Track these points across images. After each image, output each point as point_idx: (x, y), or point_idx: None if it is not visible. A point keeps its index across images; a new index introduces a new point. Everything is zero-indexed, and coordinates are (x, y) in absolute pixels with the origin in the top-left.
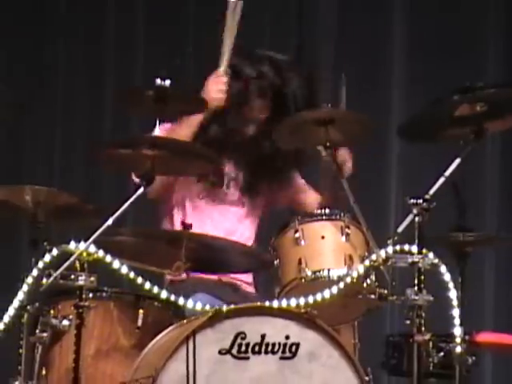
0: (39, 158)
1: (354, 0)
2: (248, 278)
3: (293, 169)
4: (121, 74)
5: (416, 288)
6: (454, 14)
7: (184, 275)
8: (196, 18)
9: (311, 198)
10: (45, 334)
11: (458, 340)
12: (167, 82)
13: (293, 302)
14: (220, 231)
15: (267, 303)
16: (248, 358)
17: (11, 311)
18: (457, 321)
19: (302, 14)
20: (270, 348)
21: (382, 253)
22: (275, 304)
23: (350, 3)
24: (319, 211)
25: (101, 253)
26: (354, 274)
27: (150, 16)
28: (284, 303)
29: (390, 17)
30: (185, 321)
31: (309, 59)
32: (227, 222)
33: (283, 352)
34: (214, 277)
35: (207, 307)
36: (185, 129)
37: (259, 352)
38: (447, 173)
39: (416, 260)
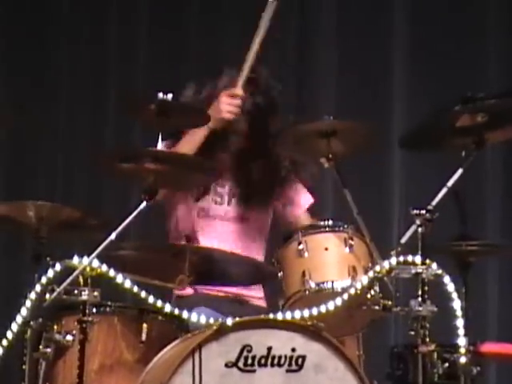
0: (41, 170)
1: (353, 3)
2: (257, 292)
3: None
4: (123, 76)
5: (420, 299)
6: (455, 21)
7: (191, 290)
8: (199, 19)
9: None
10: (48, 350)
11: (463, 350)
12: (169, 96)
13: (297, 314)
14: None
15: (272, 316)
16: (254, 371)
17: (14, 327)
18: (461, 331)
19: (302, 23)
20: (276, 361)
21: (386, 264)
22: (279, 316)
23: (349, 6)
24: (322, 223)
25: (104, 267)
26: (358, 286)
27: (152, 17)
28: (288, 315)
29: (391, 26)
30: (189, 334)
31: (309, 69)
32: (230, 239)
33: (289, 365)
34: (221, 293)
35: (211, 320)
36: (187, 145)
37: (265, 365)
38: (450, 183)
39: (419, 271)
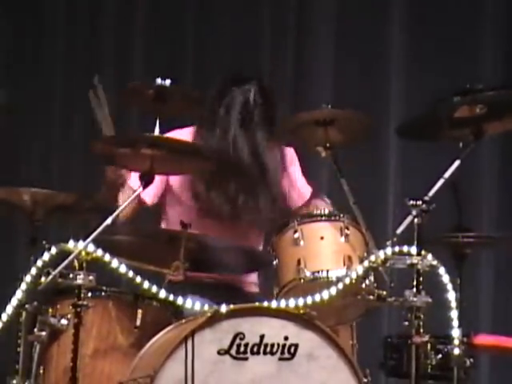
0: (37, 155)
1: (352, 1)
2: (251, 277)
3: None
4: (120, 70)
5: (414, 289)
6: (454, 11)
7: (182, 276)
8: (196, 17)
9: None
10: (43, 333)
11: (456, 342)
12: (167, 82)
13: (291, 303)
14: None
15: (266, 303)
16: (247, 359)
17: (9, 310)
18: (455, 322)
19: (301, 13)
20: (268, 349)
21: (381, 254)
22: (274, 304)
23: (348, 4)
24: (318, 212)
25: (99, 252)
26: (353, 275)
27: (149, 15)
28: (283, 304)
29: (389, 16)
30: (183, 321)
31: (306, 57)
32: (229, 236)
33: (282, 353)
34: (213, 279)
35: (206, 307)
36: None
37: (258, 352)
38: (446, 174)
39: (415, 261)
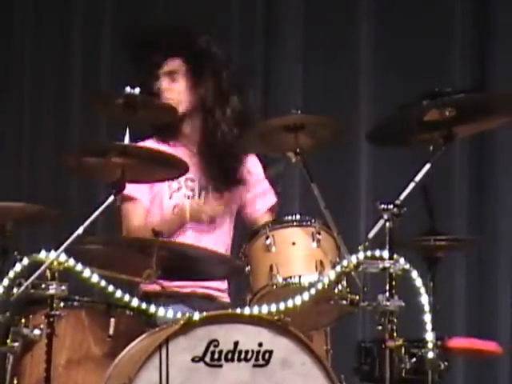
0: (6, 166)
1: (320, 5)
2: (222, 285)
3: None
4: (87, 72)
5: (387, 293)
6: (423, 15)
7: (158, 287)
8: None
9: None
10: (16, 344)
11: (430, 345)
12: (136, 90)
13: (264, 309)
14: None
15: (239, 310)
16: (221, 366)
17: None
18: (428, 326)
19: (269, 16)
20: (242, 355)
21: (353, 258)
22: (247, 311)
23: (316, 8)
24: (290, 217)
25: (71, 261)
26: (326, 280)
27: (116, 19)
28: (256, 310)
29: (357, 20)
30: (157, 329)
31: (275, 63)
32: (195, 233)
33: (256, 359)
34: (188, 289)
35: (179, 315)
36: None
37: (232, 359)
38: (417, 178)
39: (387, 265)
